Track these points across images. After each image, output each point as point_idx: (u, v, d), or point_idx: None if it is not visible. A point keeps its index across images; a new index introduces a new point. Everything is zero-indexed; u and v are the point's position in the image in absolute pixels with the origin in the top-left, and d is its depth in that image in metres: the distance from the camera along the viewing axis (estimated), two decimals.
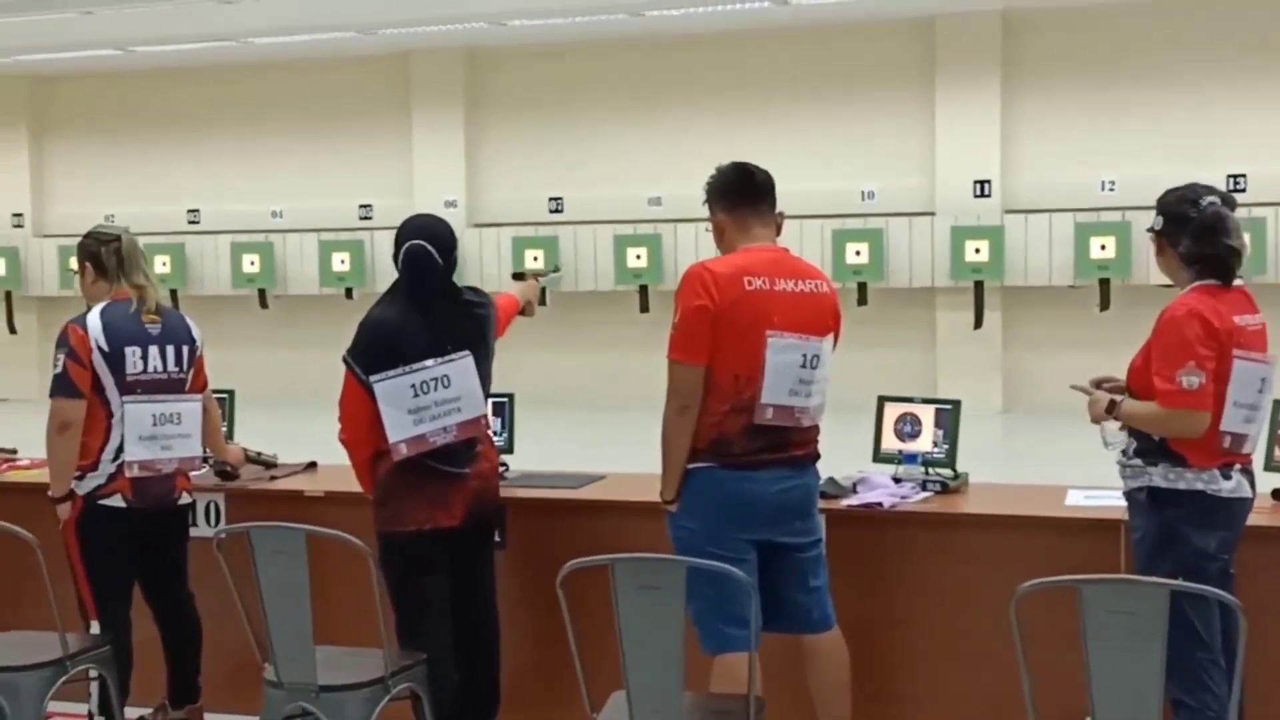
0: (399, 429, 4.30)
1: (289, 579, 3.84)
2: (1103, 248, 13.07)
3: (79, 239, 4.93)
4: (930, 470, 4.87)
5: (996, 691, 4.31)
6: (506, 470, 5.02)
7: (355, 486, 4.62)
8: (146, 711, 4.90)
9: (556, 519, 4.91)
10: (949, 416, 4.92)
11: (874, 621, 4.59)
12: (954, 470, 4.88)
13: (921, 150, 13.98)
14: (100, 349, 4.64)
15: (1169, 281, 4.14)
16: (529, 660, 4.79)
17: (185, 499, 4.89)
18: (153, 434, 4.70)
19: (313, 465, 5.61)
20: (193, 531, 4.99)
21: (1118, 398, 4.04)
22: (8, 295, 16.74)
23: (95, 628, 4.62)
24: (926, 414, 4.95)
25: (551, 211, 15.10)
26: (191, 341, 4.87)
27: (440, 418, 4.33)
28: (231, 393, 5.58)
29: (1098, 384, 4.19)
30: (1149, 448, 3.97)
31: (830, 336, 4.25)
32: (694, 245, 13.39)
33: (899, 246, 13.86)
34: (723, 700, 3.82)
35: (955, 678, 4.56)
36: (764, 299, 4.09)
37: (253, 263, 15.75)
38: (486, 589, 4.53)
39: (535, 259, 14.69)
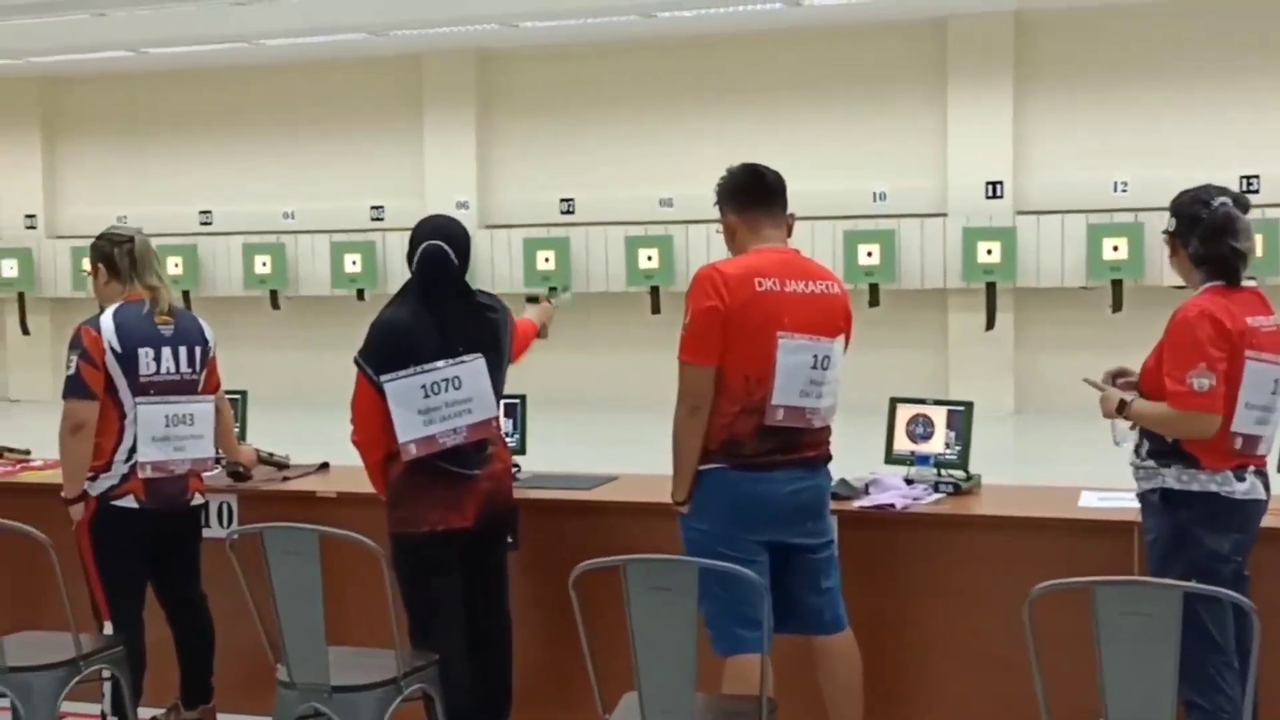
0: (409, 429, 4.30)
1: (302, 580, 3.84)
2: (1115, 249, 13.05)
3: (92, 240, 4.94)
4: (943, 472, 4.86)
5: (1009, 693, 4.30)
6: (519, 471, 5.02)
7: (367, 487, 4.63)
8: (159, 712, 4.90)
9: (568, 520, 4.91)
10: (961, 418, 4.91)
11: (886, 623, 4.58)
12: (966, 472, 4.88)
13: (933, 151, 13.97)
14: (113, 350, 4.65)
15: (1182, 283, 4.13)
16: (541, 661, 4.79)
17: (198, 500, 4.90)
18: (165, 435, 4.71)
19: (325, 466, 5.61)
20: (205, 532, 5.00)
21: (1128, 396, 4.03)
22: (21, 296, 16.80)
23: (108, 628, 4.63)
24: (939, 415, 4.94)
25: (563, 213, 15.11)
26: (204, 342, 4.88)
27: (451, 419, 4.33)
28: (244, 393, 5.59)
29: (1113, 376, 4.18)
30: (1162, 449, 3.96)
31: (841, 337, 4.24)
32: (705, 246, 13.39)
33: (911, 248, 13.85)
34: (735, 701, 3.82)
35: (967, 679, 4.55)
36: (774, 300, 4.09)
37: (265, 264, 15.79)
38: (499, 590, 4.53)
39: (546, 259, 14.70)
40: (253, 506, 5.19)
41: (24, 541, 4.08)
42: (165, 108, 16.46)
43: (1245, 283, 4.01)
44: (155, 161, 16.51)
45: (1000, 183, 13.69)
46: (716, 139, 13.76)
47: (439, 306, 4.38)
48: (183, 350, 4.78)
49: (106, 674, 4.47)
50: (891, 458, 4.98)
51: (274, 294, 15.79)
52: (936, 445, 4.91)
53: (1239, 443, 3.91)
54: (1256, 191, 12.48)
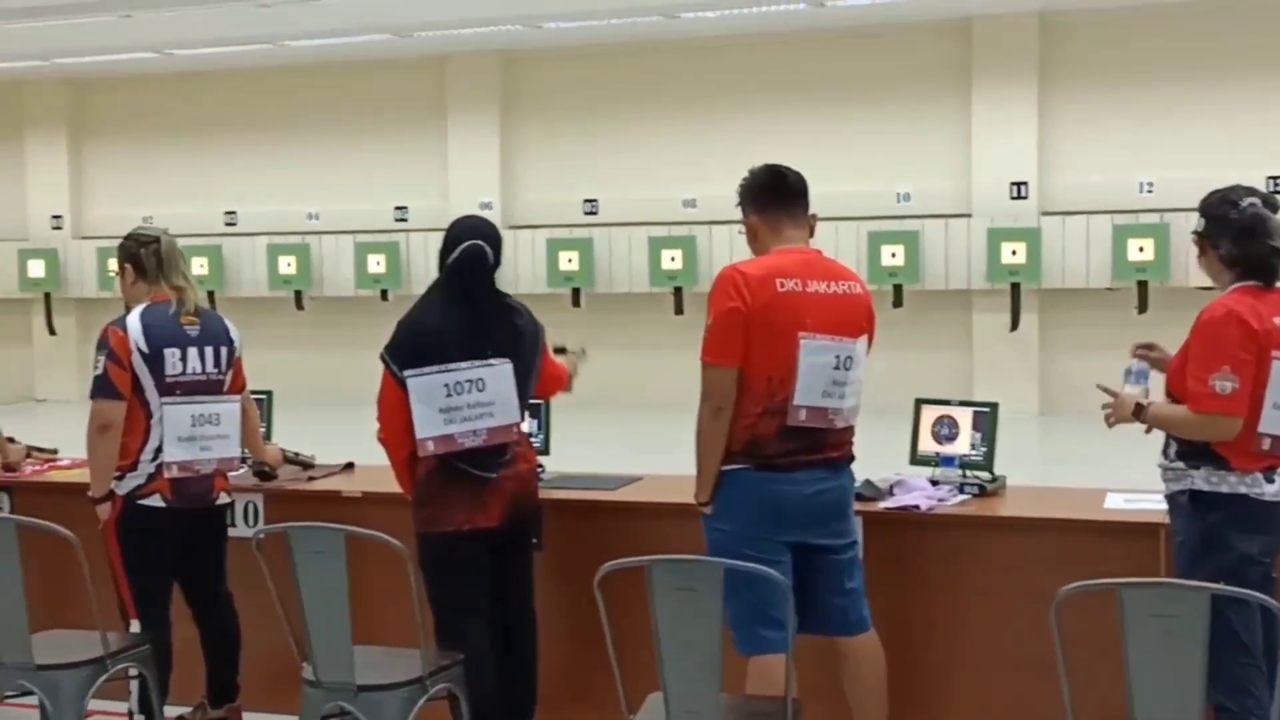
0: (428, 426, 4.32)
1: (328, 579, 3.85)
2: (1141, 250, 12.99)
3: (118, 241, 4.97)
4: (968, 473, 4.85)
5: (1034, 695, 4.28)
6: (543, 472, 5.02)
7: (392, 487, 4.64)
8: (186, 710, 4.92)
9: (592, 520, 4.91)
10: (987, 419, 4.90)
11: (911, 624, 4.57)
12: (992, 473, 4.86)
13: (958, 152, 13.92)
14: (140, 350, 4.67)
15: (1209, 283, 4.11)
16: (565, 661, 4.80)
17: (224, 499, 4.92)
18: (191, 435, 4.73)
19: (350, 466, 5.63)
20: (231, 532, 5.02)
21: (1144, 400, 4.02)
22: (47, 297, 16.89)
23: (135, 626, 4.65)
24: (964, 416, 4.93)
25: (586, 213, 15.12)
26: (230, 343, 4.89)
27: (472, 420, 4.34)
28: (269, 393, 5.62)
29: (1145, 348, 4.17)
30: (1191, 450, 3.94)
31: (864, 338, 4.24)
32: (729, 247, 13.38)
33: (935, 248, 13.81)
34: (759, 702, 3.81)
35: (992, 681, 4.53)
36: (796, 300, 4.09)
37: (289, 264, 15.84)
38: (525, 591, 4.53)
39: (570, 260, 14.71)
40: (278, 506, 5.21)
41: (52, 540, 4.10)
42: (191, 109, 16.54)
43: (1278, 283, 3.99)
44: (181, 162, 16.58)
45: (1025, 183, 13.64)
46: (740, 140, 13.74)
47: (471, 307, 4.40)
48: (209, 350, 4.80)
49: (133, 672, 4.48)
50: (916, 459, 4.97)
51: (298, 294, 15.84)
52: (962, 446, 4.89)
53: (1267, 444, 3.88)
54: None
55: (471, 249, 4.43)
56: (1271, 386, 3.87)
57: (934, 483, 4.82)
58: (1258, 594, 3.30)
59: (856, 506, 4.43)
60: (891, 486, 4.80)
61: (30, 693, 4.27)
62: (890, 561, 4.57)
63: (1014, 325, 13.62)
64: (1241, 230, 3.95)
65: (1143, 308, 12.92)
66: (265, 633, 4.63)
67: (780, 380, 4.07)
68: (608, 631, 3.50)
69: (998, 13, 13.47)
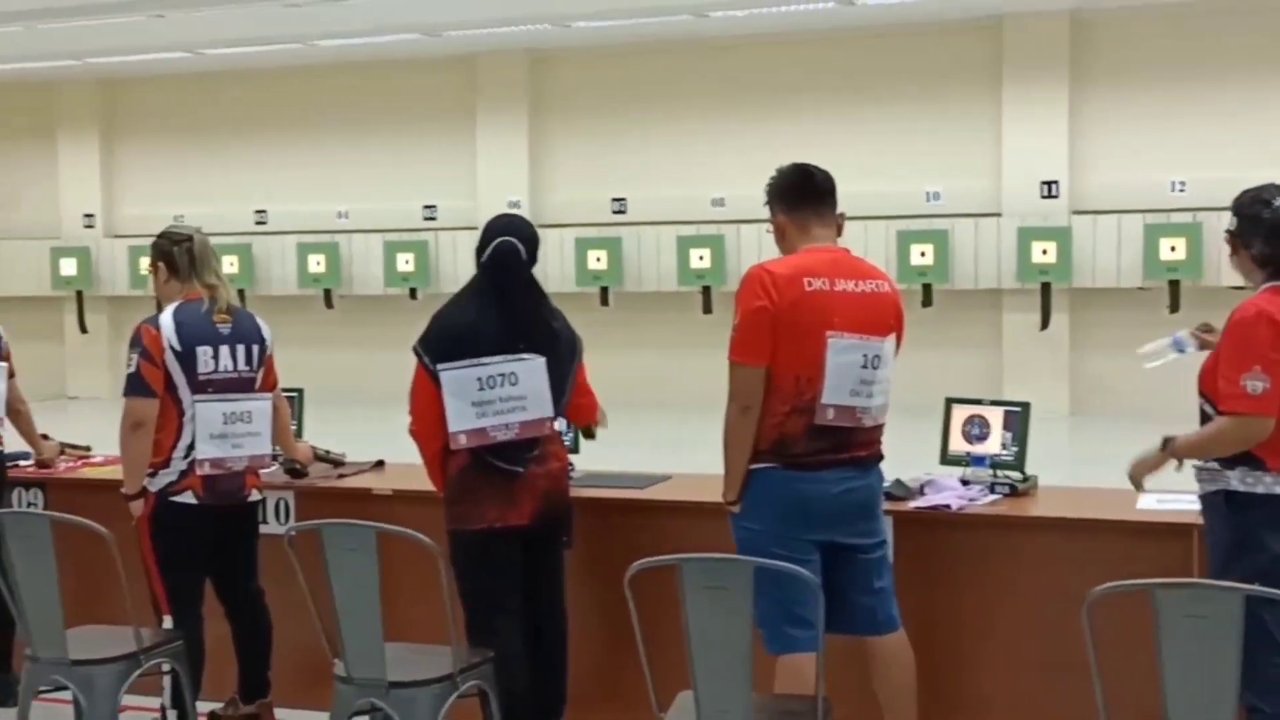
0: (460, 419, 4.34)
1: (360, 576, 3.87)
2: (1173, 249, 12.90)
3: (149, 239, 5.00)
4: (999, 473, 4.83)
5: (1065, 696, 4.26)
6: (572, 470, 5.02)
7: (422, 485, 4.65)
8: (218, 706, 4.95)
9: (621, 519, 4.92)
10: (1018, 419, 4.88)
11: (942, 624, 4.56)
12: (1023, 473, 4.84)
13: (988, 151, 13.87)
14: (173, 348, 4.69)
15: (1242, 283, 4.08)
16: (594, 659, 4.80)
17: (255, 496, 4.94)
18: (223, 432, 4.75)
19: (380, 464, 5.65)
20: (262, 528, 5.04)
21: (1170, 434, 3.98)
22: (79, 295, 17.01)
23: (168, 622, 4.68)
24: (995, 416, 4.91)
25: (614, 212, 15.13)
26: (261, 341, 4.92)
27: (504, 414, 4.36)
28: (300, 391, 5.64)
29: (1206, 329, 4.14)
30: None
31: (892, 337, 4.23)
32: (757, 246, 13.35)
33: (964, 247, 13.77)
34: (788, 701, 3.81)
35: (1025, 682, 4.51)
36: (824, 299, 4.08)
37: (319, 263, 15.91)
38: (556, 589, 4.54)
39: (598, 259, 14.73)
40: (309, 503, 5.23)
41: (86, 536, 4.13)
42: (221, 108, 16.63)
43: None
44: (211, 161, 16.67)
45: (1055, 182, 13.57)
46: (769, 138, 13.73)
47: (505, 303, 4.42)
48: (240, 348, 4.83)
49: (166, 668, 4.51)
50: (947, 458, 4.96)
51: (328, 293, 15.90)
52: (993, 446, 4.87)
53: None
54: None
55: (503, 245, 4.45)
56: None
57: (965, 482, 4.80)
58: None
59: (887, 506, 4.42)
60: (922, 486, 4.78)
61: (64, 687, 4.31)
62: (921, 561, 4.55)
63: (1044, 325, 13.57)
64: (1273, 229, 3.92)
65: (1174, 307, 12.84)
66: (296, 629, 4.65)
67: (808, 379, 4.07)
68: (638, 630, 3.50)
69: (1029, 11, 13.42)
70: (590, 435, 4.87)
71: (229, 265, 15.35)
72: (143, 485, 4.70)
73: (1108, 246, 13.35)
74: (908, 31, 13.90)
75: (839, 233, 4.32)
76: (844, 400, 4.09)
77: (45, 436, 5.83)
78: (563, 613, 4.56)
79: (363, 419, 10.37)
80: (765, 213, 4.36)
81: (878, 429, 4.23)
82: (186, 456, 4.72)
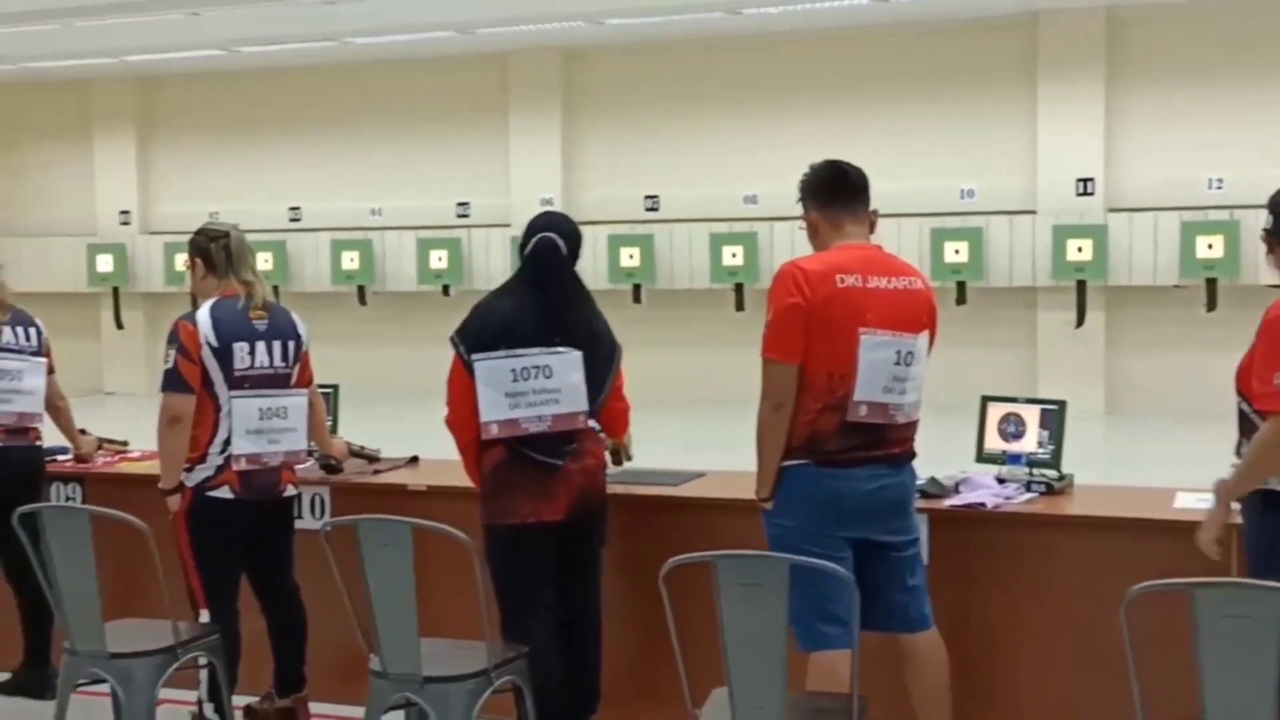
0: (493, 409, 4.36)
1: (395, 571, 3.88)
2: (1210, 247, 12.81)
3: (185, 236, 5.02)
4: (1034, 471, 4.81)
5: (1100, 695, 4.25)
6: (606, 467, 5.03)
7: (457, 481, 4.66)
8: (254, 699, 4.98)
9: (655, 516, 4.91)
10: (1054, 417, 4.85)
11: (976, 622, 4.54)
12: (1059, 471, 4.81)
13: (1023, 148, 13.80)
14: (209, 344, 4.72)
15: (1279, 281, 4.05)
16: (628, 655, 4.80)
17: (290, 491, 4.96)
18: (259, 428, 4.77)
19: (414, 459, 5.67)
20: (298, 524, 5.06)
21: (1220, 478, 3.93)
22: (115, 291, 17.14)
23: (205, 616, 4.71)
24: (1031, 414, 4.89)
25: (647, 210, 15.13)
26: (297, 337, 4.94)
27: (537, 406, 4.37)
28: (335, 387, 5.67)
29: None
30: None
31: (925, 333, 4.21)
32: (790, 243, 13.33)
33: (999, 245, 13.71)
34: (821, 698, 3.81)
35: (1060, 681, 4.49)
36: (857, 296, 4.07)
37: (352, 260, 15.97)
38: (591, 586, 4.55)
39: (630, 256, 14.73)
40: (344, 499, 5.26)
41: (123, 530, 4.16)
42: (256, 106, 16.71)
43: None
44: (246, 158, 16.76)
45: (1091, 179, 13.49)
46: (802, 136, 13.69)
47: (543, 297, 4.44)
48: (276, 345, 4.85)
49: (203, 661, 4.55)
50: (982, 456, 4.94)
51: (361, 290, 15.97)
52: (1029, 444, 4.85)
53: None
54: None
55: (544, 241, 4.49)
56: None
57: (1000, 481, 4.78)
58: None
59: (922, 504, 4.40)
60: (957, 484, 4.76)
61: (103, 680, 4.34)
62: (956, 560, 4.54)
63: (1079, 323, 13.49)
64: None
65: (1211, 305, 12.76)
66: (332, 624, 4.67)
67: (841, 376, 4.06)
68: (672, 626, 3.50)
69: (1064, 7, 13.34)
70: (618, 461, 4.87)
71: (263, 262, 15.37)
72: (180, 480, 4.73)
73: (1144, 244, 13.26)
74: (942, 28, 13.84)
75: (872, 230, 4.32)
76: (876, 397, 4.08)
77: (83, 431, 5.88)
78: (597, 609, 4.56)
79: (397, 415, 10.41)
80: (798, 210, 4.35)
81: (911, 426, 4.22)
82: (223, 452, 4.74)
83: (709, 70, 14.84)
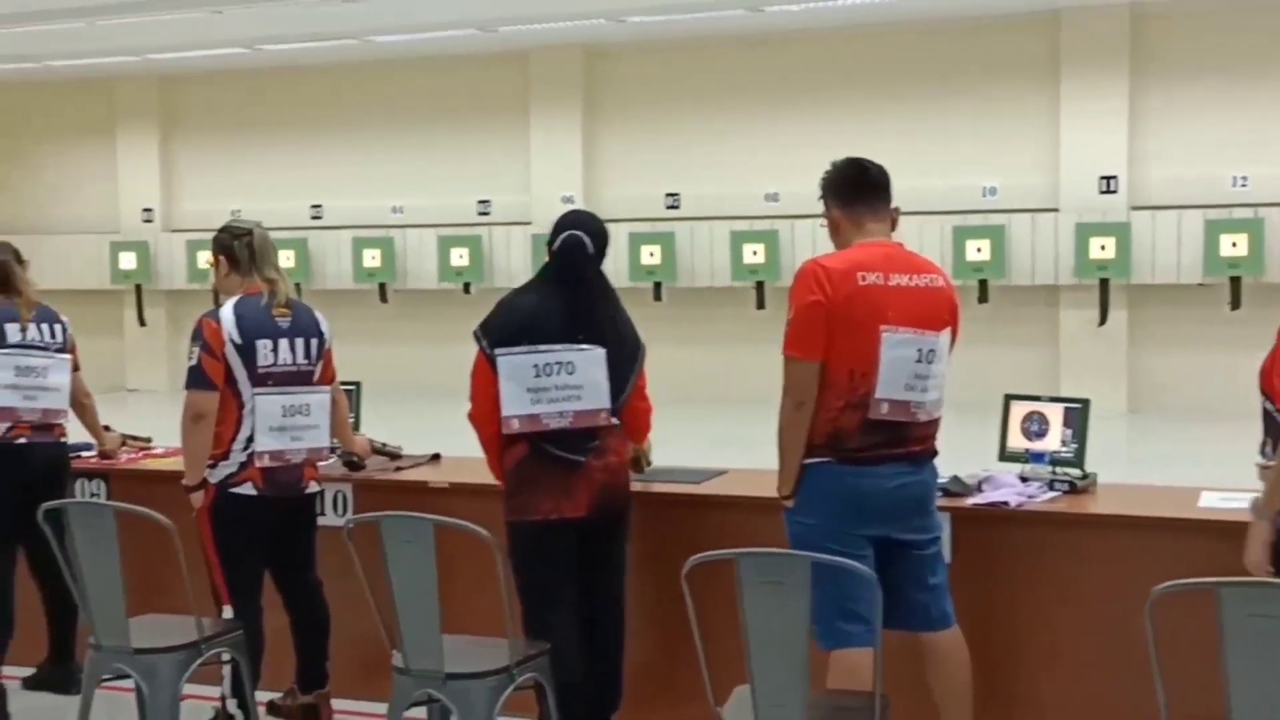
0: (515, 404, 4.37)
1: (418, 568, 3.89)
2: (1234, 245, 12.75)
3: (207, 234, 5.04)
4: (1058, 470, 4.79)
5: (1124, 695, 4.23)
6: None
7: (479, 478, 4.66)
8: (276, 695, 5.00)
9: (677, 514, 4.91)
10: (1078, 415, 4.83)
11: (1000, 622, 4.53)
12: (1083, 470, 4.80)
13: (1045, 146, 13.75)
14: (233, 342, 4.73)
15: None
16: (650, 653, 4.80)
17: (313, 488, 4.98)
18: (282, 425, 4.79)
19: (436, 457, 5.68)
20: (320, 520, 5.07)
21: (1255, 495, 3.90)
22: (138, 289, 17.22)
23: (228, 612, 4.72)
24: (1054, 413, 4.87)
25: (668, 207, 15.13)
26: (320, 334, 4.95)
27: (559, 402, 4.38)
28: (358, 385, 5.68)
29: None
30: None
31: (947, 331, 4.20)
32: (811, 241, 13.32)
33: (1021, 243, 13.66)
34: (843, 696, 3.80)
35: (1083, 680, 4.47)
36: (878, 294, 4.07)
37: (374, 257, 16.01)
38: (614, 583, 4.55)
39: (651, 254, 14.73)
40: (367, 496, 5.27)
41: (147, 526, 4.17)
42: (278, 104, 16.77)
43: None
44: (268, 156, 16.81)
45: (1114, 177, 13.43)
46: (823, 133, 13.66)
47: (567, 294, 4.45)
48: (299, 342, 4.86)
49: (226, 657, 4.56)
50: (1005, 455, 4.92)
51: (382, 287, 16.00)
52: (1052, 443, 4.83)
53: None
54: None
55: (569, 239, 4.50)
56: None
57: (1023, 479, 4.77)
58: None
59: (944, 502, 4.39)
60: (980, 482, 4.75)
61: (127, 676, 4.36)
62: (979, 558, 4.53)
63: (1102, 321, 13.44)
64: None
65: (1235, 304, 12.69)
66: (354, 620, 4.69)
67: (862, 374, 4.05)
68: (695, 624, 3.50)
69: (1087, 4, 13.28)
70: (639, 468, 4.87)
71: (285, 260, 15.47)
72: (203, 477, 4.75)
73: (1167, 242, 13.20)
74: (964, 26, 13.81)
75: (894, 227, 4.31)
76: (898, 395, 4.07)
77: (107, 428, 5.91)
78: (620, 607, 4.56)
79: (419, 413, 10.42)
80: (819, 208, 4.34)
81: (933, 424, 4.21)
82: (246, 449, 4.76)
83: (730, 67, 14.82)
